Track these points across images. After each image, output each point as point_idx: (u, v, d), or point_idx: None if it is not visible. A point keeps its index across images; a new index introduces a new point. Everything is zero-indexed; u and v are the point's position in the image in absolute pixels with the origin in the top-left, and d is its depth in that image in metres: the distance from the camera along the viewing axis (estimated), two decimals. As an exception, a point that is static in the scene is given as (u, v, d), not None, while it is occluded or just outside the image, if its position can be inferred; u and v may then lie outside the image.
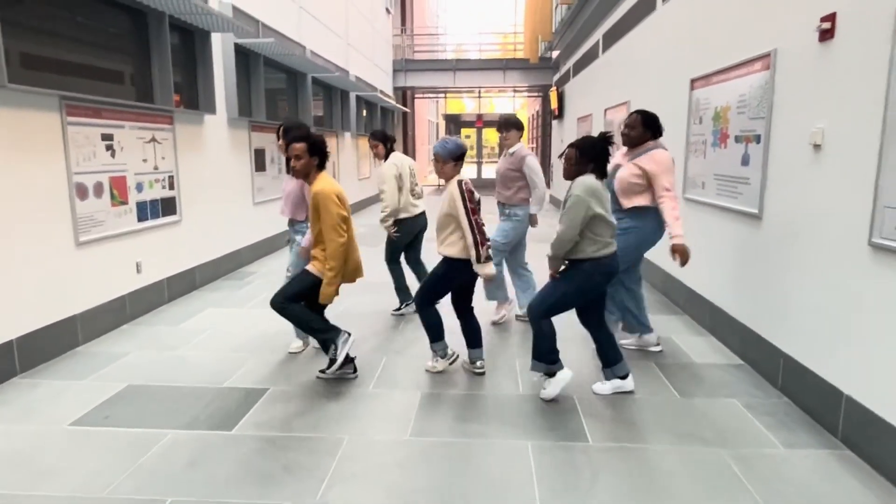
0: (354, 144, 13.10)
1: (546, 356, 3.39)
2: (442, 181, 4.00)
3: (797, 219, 3.37)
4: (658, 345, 4.25)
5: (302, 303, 3.57)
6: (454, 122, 23.20)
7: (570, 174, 3.36)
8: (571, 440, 2.98)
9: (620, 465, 2.76)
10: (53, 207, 4.06)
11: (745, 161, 4.01)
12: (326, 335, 3.55)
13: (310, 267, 3.58)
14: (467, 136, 23.42)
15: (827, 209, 3.07)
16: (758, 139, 3.83)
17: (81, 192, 4.30)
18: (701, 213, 4.77)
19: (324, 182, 3.48)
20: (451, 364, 3.88)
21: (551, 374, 3.42)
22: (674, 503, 2.46)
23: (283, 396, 3.48)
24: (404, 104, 20.79)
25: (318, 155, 3.51)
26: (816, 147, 3.17)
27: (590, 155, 3.30)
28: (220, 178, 6.60)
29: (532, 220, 4.80)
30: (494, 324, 4.85)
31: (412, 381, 3.71)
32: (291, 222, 4.19)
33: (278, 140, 4.18)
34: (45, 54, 4.23)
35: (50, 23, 4.31)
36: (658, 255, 5.10)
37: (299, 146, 3.44)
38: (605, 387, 3.54)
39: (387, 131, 5.15)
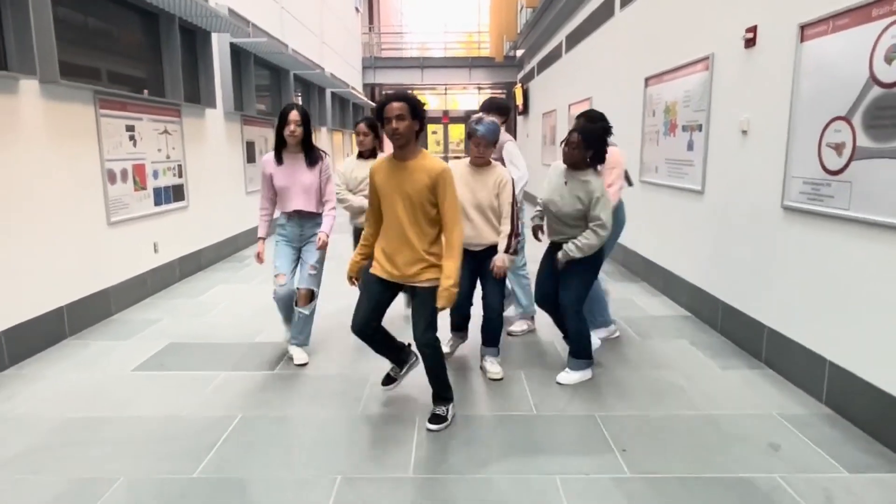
0: (330, 139, 13.59)
1: (587, 353, 3.55)
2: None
3: (730, 191, 4.16)
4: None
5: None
6: (421, 118, 23.68)
7: (575, 159, 3.33)
8: (556, 370, 3.67)
9: (591, 384, 3.48)
10: (90, 190, 4.55)
11: (690, 147, 4.80)
12: (446, 390, 3.05)
13: (431, 281, 2.82)
14: (434, 132, 24.07)
15: (752, 181, 3.86)
16: (700, 128, 4.62)
17: (111, 177, 4.79)
18: (655, 193, 5.56)
19: (436, 159, 2.84)
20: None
21: (581, 368, 3.57)
22: (630, 404, 3.19)
23: (309, 349, 4.06)
24: (373, 100, 21.30)
25: (419, 120, 2.81)
26: (744, 133, 3.96)
27: (591, 141, 3.31)
28: (219, 168, 7.10)
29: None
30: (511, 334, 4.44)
31: (417, 334, 4.35)
32: (298, 214, 3.69)
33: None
34: (76, 53, 4.70)
35: (77, 25, 4.78)
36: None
37: (399, 104, 2.73)
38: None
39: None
